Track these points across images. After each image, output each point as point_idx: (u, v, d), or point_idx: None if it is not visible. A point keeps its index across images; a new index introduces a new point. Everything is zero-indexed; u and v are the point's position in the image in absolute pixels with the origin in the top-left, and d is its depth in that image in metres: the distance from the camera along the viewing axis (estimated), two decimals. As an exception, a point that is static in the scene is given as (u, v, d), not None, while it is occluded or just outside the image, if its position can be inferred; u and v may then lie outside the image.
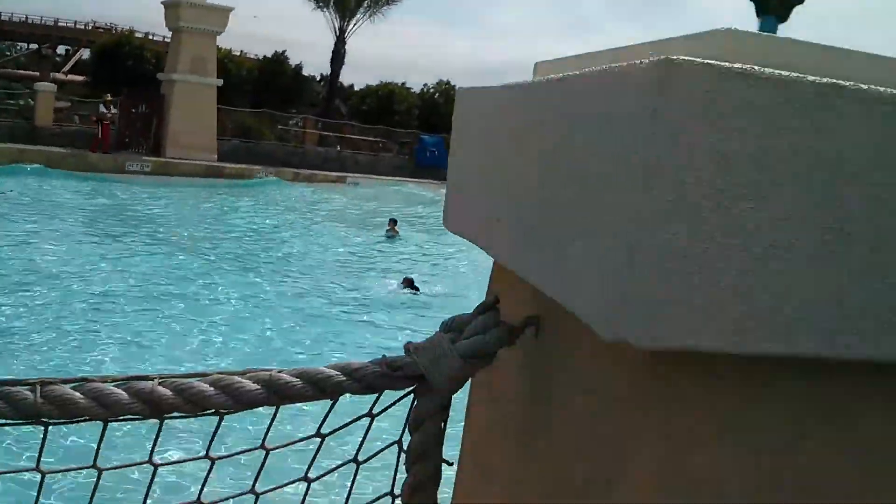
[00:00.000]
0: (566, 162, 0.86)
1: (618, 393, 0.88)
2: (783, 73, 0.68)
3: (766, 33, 0.74)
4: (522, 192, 1.03)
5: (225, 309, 12.33)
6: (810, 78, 0.68)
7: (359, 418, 1.09)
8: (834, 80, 0.69)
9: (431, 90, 49.03)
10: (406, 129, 43.53)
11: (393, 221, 21.53)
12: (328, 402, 1.05)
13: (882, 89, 0.71)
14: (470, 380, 1.22)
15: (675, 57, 0.65)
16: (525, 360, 1.17)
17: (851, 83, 0.69)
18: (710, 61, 0.66)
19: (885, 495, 0.90)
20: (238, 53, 42.64)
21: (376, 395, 1.08)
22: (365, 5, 44.62)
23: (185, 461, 1.05)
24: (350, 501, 1.12)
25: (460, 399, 1.17)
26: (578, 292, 0.82)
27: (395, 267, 17.24)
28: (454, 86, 48.80)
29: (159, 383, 0.95)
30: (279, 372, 1.03)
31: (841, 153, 0.69)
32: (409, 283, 14.58)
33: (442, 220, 1.45)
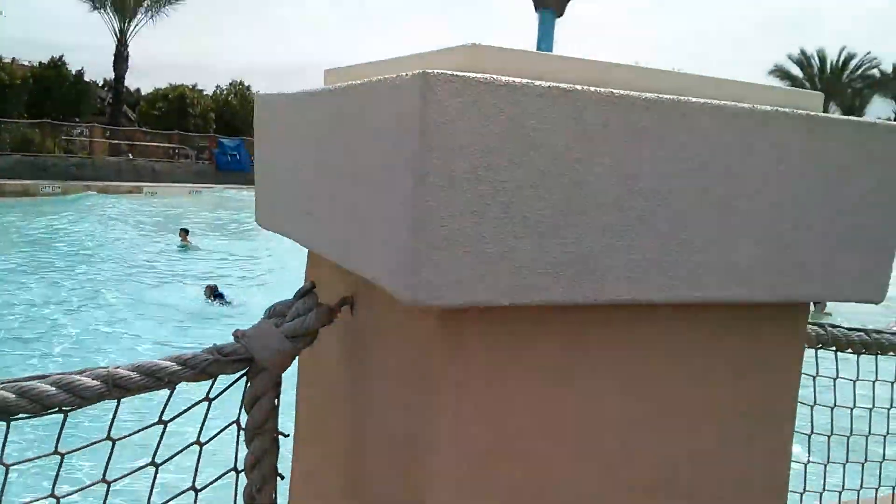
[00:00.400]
0: (358, 160, 1.03)
1: (420, 349, 1.06)
2: (515, 79, 0.87)
3: (503, 47, 0.94)
4: (327, 189, 1.18)
5: (24, 326, 11.75)
6: (536, 82, 0.88)
7: (197, 403, 1.20)
8: (553, 83, 0.90)
9: (225, 92, 47.67)
10: (204, 133, 42.08)
11: (184, 231, 20.88)
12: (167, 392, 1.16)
13: (582, 87, 0.92)
14: (297, 358, 1.36)
15: (430, 70, 0.83)
16: (344, 335, 1.33)
17: (567, 85, 0.91)
18: (457, 72, 0.84)
19: (634, 413, 1.14)
20: (10, 61, 39.28)
21: (212, 380, 1.19)
22: (145, 5, 42.59)
23: (35, 459, 1.11)
24: (197, 480, 1.22)
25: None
26: (382, 268, 0.98)
27: (194, 275, 16.77)
28: (248, 86, 47.77)
29: (1, 387, 1.02)
30: (116, 367, 1.12)
31: (555, 139, 0.90)
32: (212, 290, 14.29)
33: (254, 218, 1.57)
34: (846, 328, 1.63)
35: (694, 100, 0.98)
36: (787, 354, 1.22)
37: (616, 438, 1.13)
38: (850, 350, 1.62)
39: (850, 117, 1.11)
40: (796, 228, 1.08)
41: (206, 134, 42.14)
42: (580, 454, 1.11)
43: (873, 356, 1.66)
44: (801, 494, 1.80)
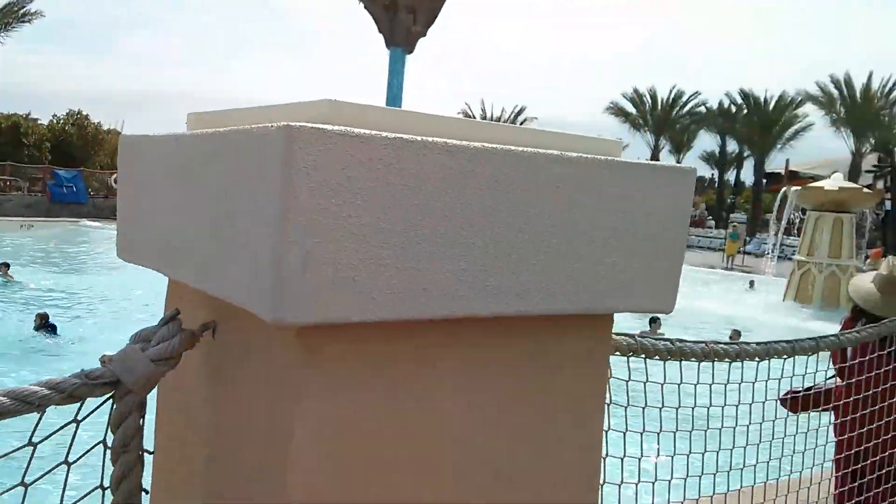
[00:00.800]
0: (224, 198, 1.15)
1: (282, 364, 1.18)
2: (366, 131, 1.04)
3: (354, 102, 1.10)
4: (192, 223, 1.29)
5: None
6: (384, 133, 1.05)
7: (65, 425, 1.27)
8: (398, 135, 1.07)
9: (62, 121, 45.24)
10: (38, 164, 39.69)
11: (5, 265, 19.76)
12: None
13: (422, 138, 1.10)
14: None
15: (293, 123, 0.98)
16: (205, 357, 1.44)
17: (410, 136, 1.08)
18: (316, 124, 1.00)
19: (469, 416, 1.31)
20: None
21: (80, 402, 1.27)
22: (-23, 32, 39.97)
23: None
24: (65, 498, 1.29)
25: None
26: (247, 293, 1.11)
27: (19, 309, 15.81)
28: (87, 115, 45.65)
29: None
30: (-13, 393, 1.18)
31: (399, 181, 1.07)
32: (42, 319, 13.52)
33: (117, 252, 1.64)
34: (654, 338, 1.89)
35: (513, 148, 1.18)
36: (595, 359, 1.43)
37: (455, 439, 1.29)
38: (657, 357, 1.88)
39: (641, 161, 1.34)
40: (600, 252, 1.29)
41: (41, 165, 39.77)
42: (425, 455, 1.27)
43: (678, 362, 1.93)
44: (619, 485, 2.03)
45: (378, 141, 1.04)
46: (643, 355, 1.87)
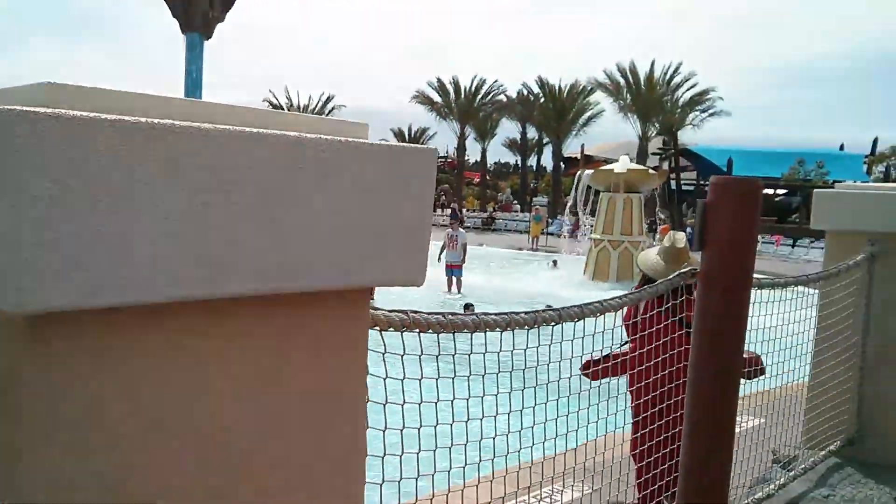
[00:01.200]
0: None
1: (8, 360, 1.13)
2: (83, 113, 1.02)
3: (74, 84, 1.07)
4: None
5: None
6: (104, 115, 1.03)
7: None
8: (120, 117, 1.05)
9: None
10: None
11: None
12: None
13: (147, 120, 1.09)
14: None
15: (1, 106, 0.95)
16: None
17: (134, 118, 1.07)
18: (28, 108, 0.97)
19: (228, 393, 1.32)
20: None
21: None
22: None
23: None
24: None
25: None
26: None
27: None
28: None
29: None
30: None
31: (119, 164, 1.06)
32: None
33: None
34: (427, 313, 1.98)
35: (247, 129, 1.19)
36: (354, 332, 1.49)
37: (212, 418, 1.29)
38: (430, 330, 1.96)
39: (387, 142, 1.40)
40: (349, 230, 1.34)
41: None
42: (176, 435, 1.25)
43: (451, 334, 2.04)
44: (401, 457, 2.10)
45: (97, 123, 1.03)
46: (416, 330, 1.95)
